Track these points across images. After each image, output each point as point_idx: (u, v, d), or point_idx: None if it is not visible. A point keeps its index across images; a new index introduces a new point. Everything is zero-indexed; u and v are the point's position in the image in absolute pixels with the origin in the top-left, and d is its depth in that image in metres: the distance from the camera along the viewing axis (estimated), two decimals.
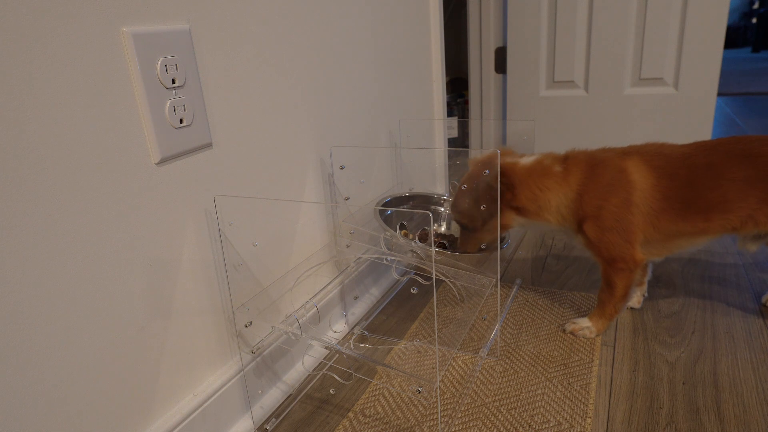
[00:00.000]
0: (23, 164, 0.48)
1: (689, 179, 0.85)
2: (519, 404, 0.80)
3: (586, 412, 0.77)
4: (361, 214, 1.05)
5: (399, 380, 0.87)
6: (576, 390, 0.82)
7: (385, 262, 1.16)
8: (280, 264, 0.85)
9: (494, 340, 0.96)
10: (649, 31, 1.82)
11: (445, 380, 0.87)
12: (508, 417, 0.77)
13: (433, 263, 0.92)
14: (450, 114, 2.56)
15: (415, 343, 0.98)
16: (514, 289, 1.15)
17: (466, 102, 2.55)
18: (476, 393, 0.83)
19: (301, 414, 0.81)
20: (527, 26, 1.97)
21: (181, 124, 0.63)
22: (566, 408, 0.78)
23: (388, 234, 0.93)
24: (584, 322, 0.96)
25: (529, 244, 1.40)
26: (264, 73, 0.77)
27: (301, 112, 0.86)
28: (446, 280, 0.92)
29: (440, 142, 1.47)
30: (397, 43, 1.18)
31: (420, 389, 0.69)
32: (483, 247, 1.00)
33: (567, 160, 0.91)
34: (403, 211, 1.12)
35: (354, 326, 1.05)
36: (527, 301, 1.10)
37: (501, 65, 2.13)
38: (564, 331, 0.97)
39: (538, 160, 0.93)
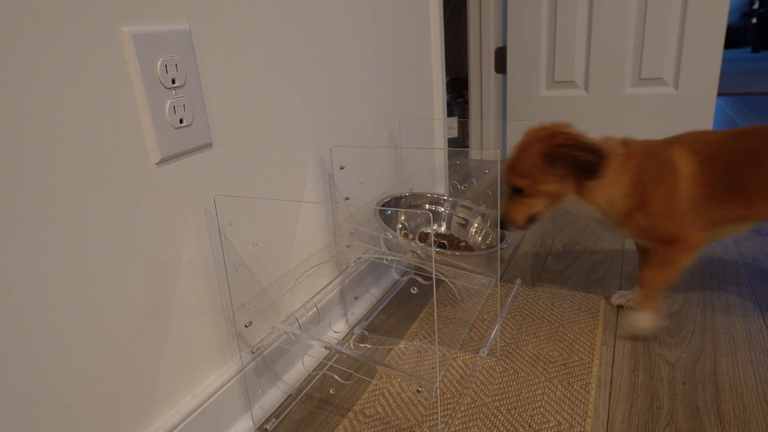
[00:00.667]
0: (23, 164, 0.48)
1: (729, 165, 0.85)
2: (519, 404, 0.80)
3: (586, 412, 0.77)
4: (361, 214, 1.05)
5: (399, 380, 0.87)
6: (576, 390, 0.82)
7: (385, 262, 1.16)
8: (280, 264, 0.85)
9: (494, 340, 0.96)
10: (649, 31, 1.82)
11: (445, 380, 0.87)
12: (508, 417, 0.77)
13: (433, 263, 0.92)
14: (450, 114, 2.56)
15: (415, 343, 0.98)
16: (514, 289, 1.15)
17: (466, 102, 2.55)
18: (476, 393, 0.83)
19: (301, 414, 0.81)
20: (527, 26, 1.97)
21: (181, 124, 0.63)
22: (566, 408, 0.78)
23: (389, 234, 0.93)
24: (640, 314, 0.91)
25: (529, 244, 1.40)
26: (264, 73, 0.77)
27: (301, 112, 0.86)
28: (446, 280, 0.92)
29: (440, 142, 1.47)
30: (397, 43, 1.18)
31: (420, 389, 0.69)
32: (525, 222, 0.92)
33: (627, 145, 0.89)
34: (403, 211, 1.12)
35: (354, 326, 1.05)
36: (527, 301, 1.10)
37: (501, 65, 2.13)
38: (612, 305, 0.97)
39: (604, 139, 0.89)
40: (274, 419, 0.80)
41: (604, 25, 1.87)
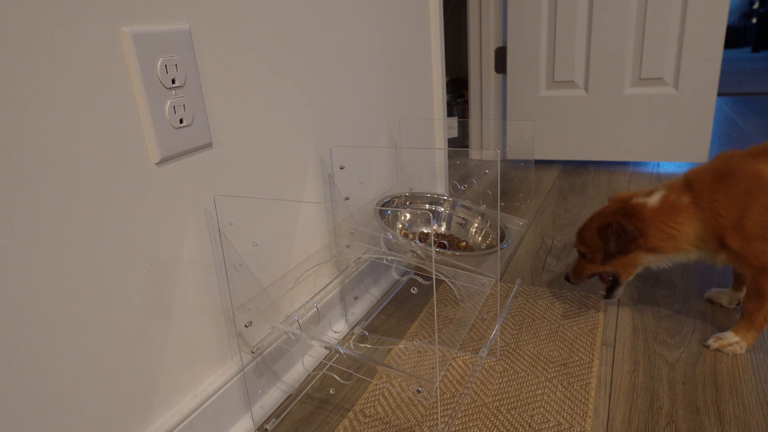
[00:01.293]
0: (23, 164, 0.48)
1: None
2: (519, 404, 0.80)
3: (586, 412, 0.77)
4: (361, 214, 1.05)
5: (399, 380, 0.87)
6: (576, 390, 0.82)
7: (385, 262, 1.16)
8: (280, 264, 0.85)
9: (494, 340, 0.96)
10: (649, 31, 1.82)
11: (445, 380, 0.87)
12: (508, 417, 0.77)
13: (433, 263, 0.92)
14: (450, 114, 2.56)
15: (415, 343, 0.98)
16: (514, 289, 1.15)
17: (466, 102, 2.55)
18: (476, 393, 0.83)
19: (301, 414, 0.81)
20: (527, 26, 1.97)
21: (181, 124, 0.63)
22: (566, 408, 0.78)
23: (389, 234, 0.93)
24: (732, 337, 0.89)
25: (529, 244, 1.40)
26: (264, 73, 0.77)
27: (301, 112, 0.86)
28: (446, 280, 0.92)
29: (440, 142, 1.47)
30: (397, 43, 1.18)
31: (420, 389, 0.69)
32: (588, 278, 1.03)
33: (690, 185, 0.90)
34: (403, 210, 1.12)
35: (354, 326, 1.05)
36: (527, 301, 1.10)
37: (501, 65, 2.13)
38: (708, 347, 0.90)
39: (664, 196, 0.92)
40: (274, 419, 0.80)
41: (604, 25, 1.87)
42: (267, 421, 0.80)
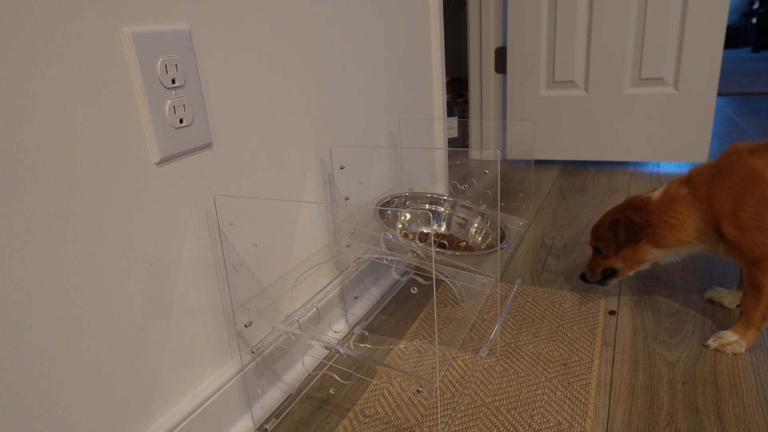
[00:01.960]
0: (23, 164, 0.48)
1: None
2: (519, 404, 0.80)
3: (586, 412, 0.77)
4: (361, 214, 1.05)
5: (399, 380, 0.87)
6: (576, 390, 0.82)
7: (385, 262, 1.16)
8: (280, 264, 0.85)
9: (494, 340, 0.96)
10: (649, 31, 1.82)
11: (445, 380, 0.87)
12: (508, 417, 0.77)
13: (433, 263, 0.92)
14: (450, 114, 2.56)
15: (415, 343, 0.98)
16: (514, 289, 1.15)
17: (466, 102, 2.55)
18: (476, 393, 0.83)
19: (301, 414, 0.81)
20: (527, 26, 1.97)
21: (181, 124, 0.63)
22: (566, 408, 0.78)
23: (389, 234, 0.93)
24: (731, 336, 0.89)
25: (529, 244, 1.40)
26: (264, 73, 0.77)
27: (301, 112, 0.86)
28: (446, 280, 0.92)
29: (440, 142, 1.47)
30: (397, 43, 1.18)
31: (420, 389, 0.69)
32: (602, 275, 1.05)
33: (690, 179, 0.94)
34: (403, 210, 1.12)
35: (354, 326, 1.05)
36: (527, 301, 1.10)
37: (501, 65, 2.13)
38: (707, 347, 0.90)
39: (665, 189, 0.96)
40: (274, 419, 0.80)
41: (604, 25, 1.87)
42: (267, 421, 0.80)
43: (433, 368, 0.90)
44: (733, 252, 0.89)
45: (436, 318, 0.72)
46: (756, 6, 6.87)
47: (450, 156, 2.26)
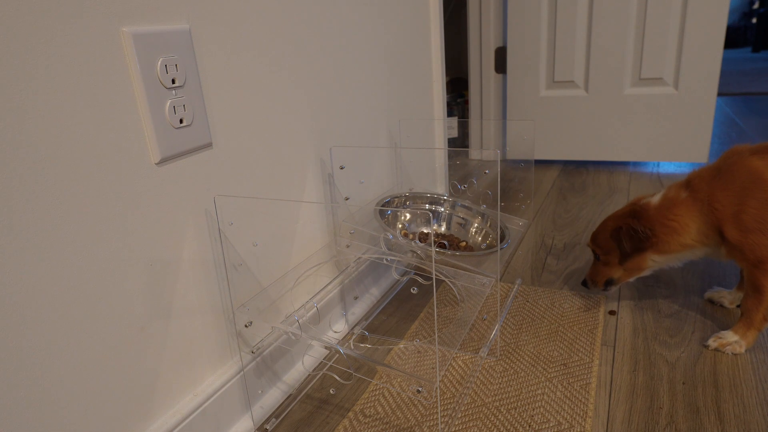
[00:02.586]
0: (23, 164, 0.48)
1: None
2: (519, 404, 0.80)
3: (586, 412, 0.77)
4: (361, 214, 1.05)
5: (399, 380, 0.87)
6: (576, 390, 0.82)
7: (385, 262, 1.16)
8: (280, 264, 0.85)
9: (494, 340, 0.96)
10: (649, 31, 1.82)
11: (445, 380, 0.87)
12: (508, 417, 0.77)
13: (433, 263, 0.92)
14: (450, 114, 2.56)
15: (415, 343, 0.98)
16: (514, 289, 1.15)
17: (466, 102, 2.55)
18: (476, 393, 0.83)
19: (301, 414, 0.81)
20: (527, 26, 1.97)
21: (181, 124, 0.63)
22: (566, 408, 0.78)
23: (389, 234, 0.93)
24: (731, 336, 0.89)
25: (529, 244, 1.40)
26: (264, 73, 0.77)
27: (301, 112, 0.86)
28: (446, 280, 0.92)
29: (440, 142, 1.47)
30: (397, 43, 1.18)
31: (420, 389, 0.69)
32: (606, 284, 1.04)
33: (690, 182, 0.93)
34: (403, 210, 1.12)
35: (354, 326, 1.05)
36: (527, 301, 1.10)
37: (501, 65, 2.13)
38: (707, 347, 0.90)
39: (665, 194, 0.95)
40: (274, 419, 0.80)
41: (604, 25, 1.87)
42: (267, 421, 0.80)
43: (433, 368, 0.90)
44: (734, 254, 0.89)
45: (436, 318, 0.72)
46: (756, 6, 6.87)
47: (450, 156, 2.26)
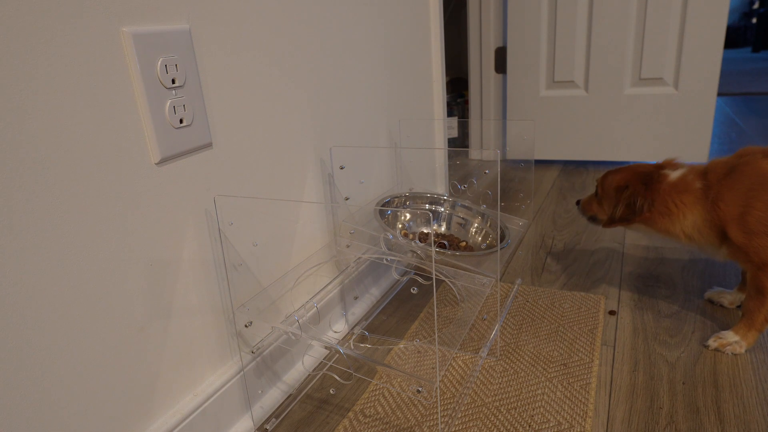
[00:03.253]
0: (23, 164, 0.48)
1: None
2: (519, 404, 0.80)
3: (586, 412, 0.77)
4: (361, 214, 1.05)
5: (399, 380, 0.87)
6: (576, 390, 0.82)
7: (385, 262, 1.16)
8: (280, 264, 0.85)
9: (494, 340, 0.96)
10: (649, 31, 1.82)
11: (445, 380, 0.87)
12: (508, 417, 0.77)
13: (433, 263, 0.92)
14: (450, 114, 2.56)
15: (415, 343, 0.98)
16: (514, 289, 1.15)
17: (466, 102, 2.55)
18: (476, 393, 0.83)
19: (301, 414, 0.81)
20: (527, 26, 1.97)
21: (181, 124, 0.63)
22: (566, 408, 0.78)
23: (389, 234, 0.93)
24: (731, 337, 0.89)
25: (529, 244, 1.40)
26: (264, 73, 0.77)
27: (301, 112, 0.86)
28: (446, 280, 0.92)
29: (440, 142, 1.47)
30: (397, 43, 1.18)
31: (420, 389, 0.69)
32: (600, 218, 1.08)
33: (707, 173, 0.91)
34: (403, 210, 1.12)
35: (354, 326, 1.05)
36: (527, 301, 1.10)
37: (501, 65, 2.13)
38: (707, 347, 0.90)
39: (683, 175, 0.93)
40: (274, 419, 0.80)
41: (604, 25, 1.87)
42: (267, 421, 0.80)
43: (433, 368, 0.90)
44: (738, 256, 0.88)
45: (436, 318, 0.72)
46: (756, 6, 6.87)
47: (450, 156, 2.26)
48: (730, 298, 1.03)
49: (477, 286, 0.90)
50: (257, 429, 0.78)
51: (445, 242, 1.08)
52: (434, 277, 0.69)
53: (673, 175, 0.94)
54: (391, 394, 0.84)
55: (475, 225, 1.11)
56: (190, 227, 0.67)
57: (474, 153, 2.33)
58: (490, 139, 2.27)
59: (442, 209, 1.15)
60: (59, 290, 0.52)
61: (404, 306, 1.12)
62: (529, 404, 0.80)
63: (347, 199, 1.03)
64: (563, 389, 0.82)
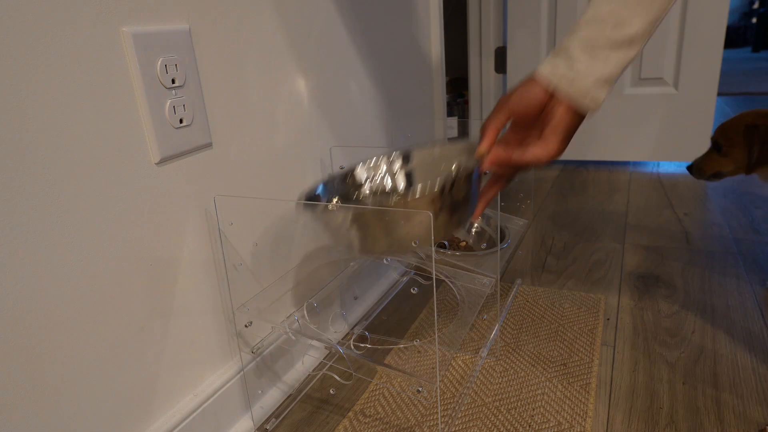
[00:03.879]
0: (23, 164, 0.48)
1: None
2: (519, 404, 0.80)
3: (586, 412, 0.77)
4: None
5: (399, 380, 0.87)
6: (576, 390, 0.82)
7: (385, 262, 1.16)
8: (280, 264, 0.85)
9: (494, 340, 0.96)
10: None
11: (445, 380, 0.87)
12: (508, 417, 0.77)
13: (433, 263, 0.92)
14: (450, 114, 2.56)
15: (415, 343, 0.98)
16: (514, 289, 1.15)
17: (466, 102, 2.55)
18: (476, 393, 0.83)
19: (301, 414, 0.81)
20: (527, 26, 1.97)
21: (181, 124, 0.63)
22: (566, 408, 0.78)
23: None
24: None
25: (529, 244, 1.40)
26: (264, 73, 0.77)
27: (301, 112, 0.86)
28: (446, 280, 0.92)
29: None
30: (397, 43, 1.18)
31: (420, 389, 0.69)
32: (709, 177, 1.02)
33: None
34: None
35: (354, 326, 1.05)
36: (527, 301, 1.10)
37: (501, 65, 2.13)
38: None
39: None
40: (274, 419, 0.80)
41: None
42: (267, 421, 0.80)
43: (433, 368, 0.90)
44: None
45: (436, 318, 0.72)
46: (756, 6, 6.87)
47: None
48: None
49: (477, 286, 0.90)
50: (257, 429, 0.78)
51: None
52: (434, 277, 0.69)
53: None
54: (391, 394, 0.84)
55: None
56: (190, 227, 0.67)
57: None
58: None
59: None
60: (59, 290, 0.52)
61: (404, 306, 1.12)
62: (529, 404, 0.80)
63: None
64: (563, 389, 0.82)
